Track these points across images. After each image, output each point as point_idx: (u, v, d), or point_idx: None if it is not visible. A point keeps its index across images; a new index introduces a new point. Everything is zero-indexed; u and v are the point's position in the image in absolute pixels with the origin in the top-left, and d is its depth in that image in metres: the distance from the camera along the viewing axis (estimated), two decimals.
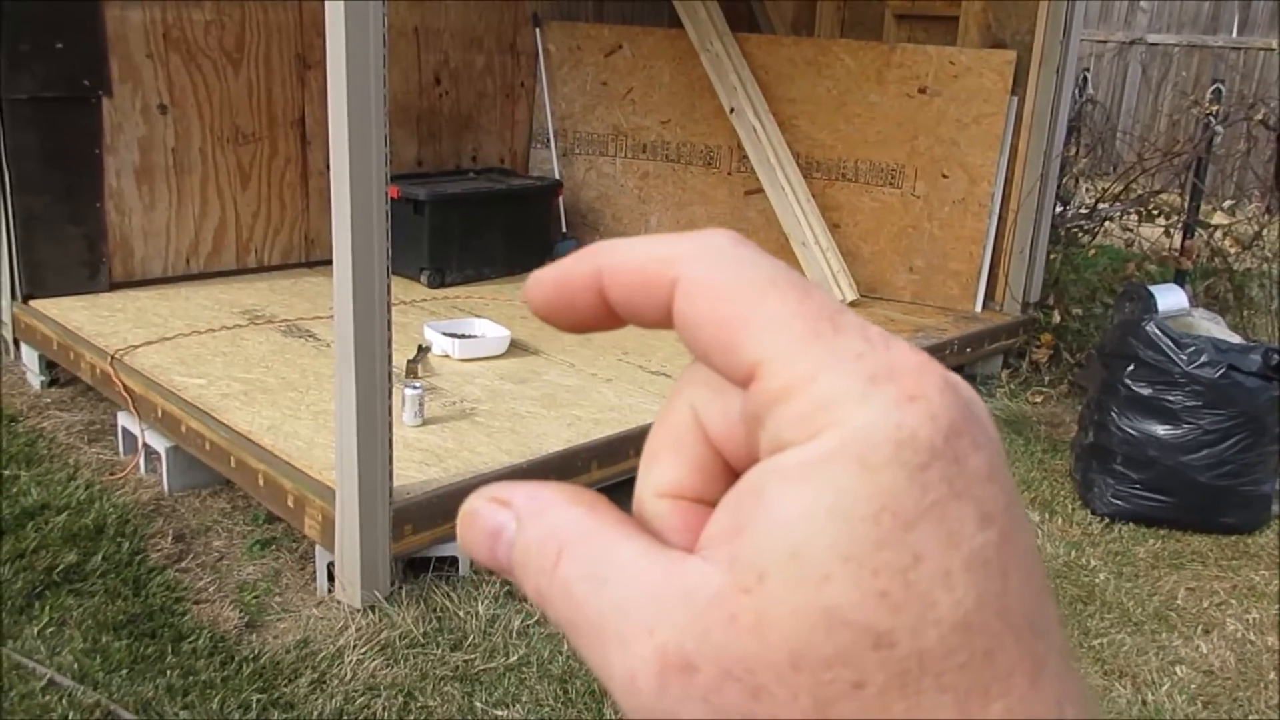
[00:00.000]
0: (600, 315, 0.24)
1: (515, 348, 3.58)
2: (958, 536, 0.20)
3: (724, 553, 0.21)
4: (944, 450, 0.20)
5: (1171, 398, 3.06)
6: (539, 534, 0.23)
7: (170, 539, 2.78)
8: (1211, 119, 4.78)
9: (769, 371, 0.21)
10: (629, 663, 0.21)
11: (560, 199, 4.94)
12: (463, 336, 3.55)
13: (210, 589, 2.59)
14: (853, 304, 4.34)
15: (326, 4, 2.23)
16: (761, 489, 0.21)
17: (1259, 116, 5.06)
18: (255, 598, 2.55)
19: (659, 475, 0.24)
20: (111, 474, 3.10)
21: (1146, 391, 3.11)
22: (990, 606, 0.20)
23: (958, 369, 4.49)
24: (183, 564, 2.69)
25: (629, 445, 2.95)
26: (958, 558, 0.20)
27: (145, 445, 3.09)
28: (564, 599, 0.22)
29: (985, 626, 0.20)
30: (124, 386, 3.15)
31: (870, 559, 0.20)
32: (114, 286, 3.91)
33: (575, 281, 0.24)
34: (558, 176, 4.99)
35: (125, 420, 3.18)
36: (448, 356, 3.46)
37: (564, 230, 4.99)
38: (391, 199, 2.39)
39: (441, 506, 2.55)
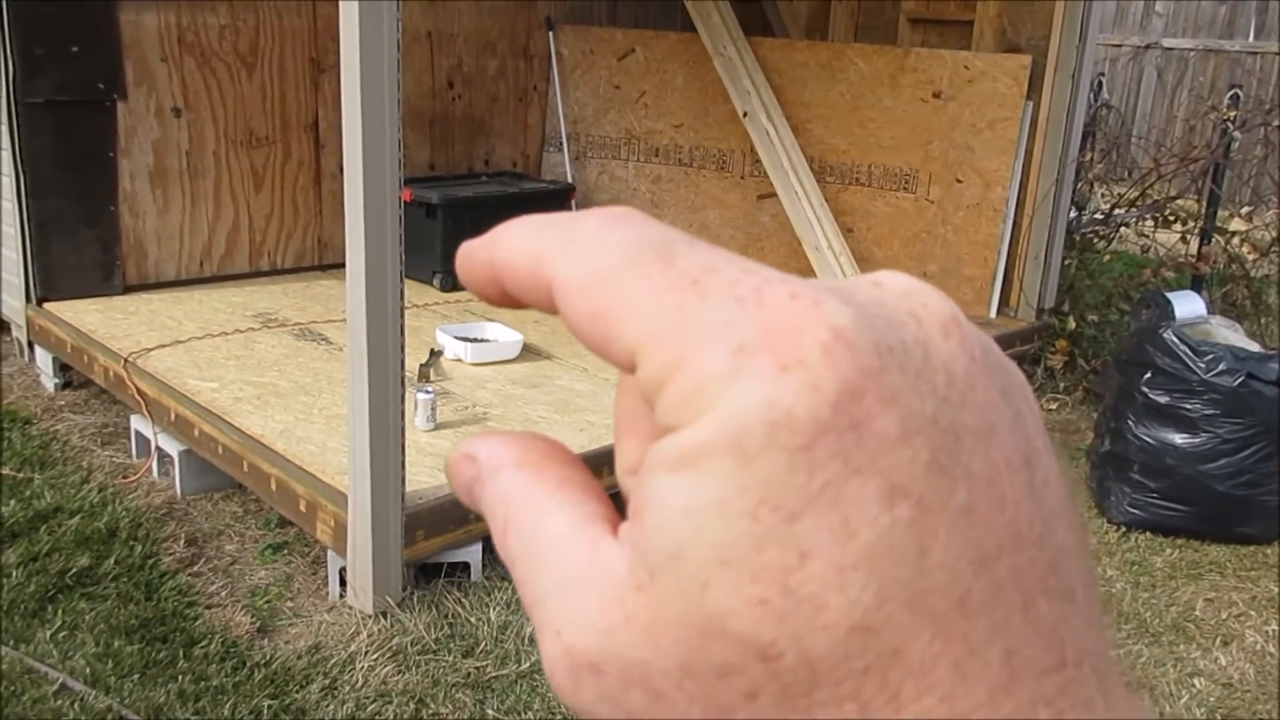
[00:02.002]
0: (514, 301, 0.23)
1: (528, 352, 3.57)
2: (855, 523, 0.18)
3: (629, 536, 0.20)
4: (833, 422, 0.18)
5: (1189, 406, 3.03)
6: (490, 500, 0.22)
7: (182, 543, 2.78)
8: (1229, 124, 4.75)
9: (642, 360, 0.19)
10: (548, 660, 0.20)
11: (573, 203, 4.93)
12: (475, 340, 3.55)
13: (222, 593, 2.58)
14: None
15: (341, 8, 2.23)
16: (651, 472, 0.19)
17: (1276, 122, 5.02)
18: (267, 602, 2.55)
19: (623, 453, 0.23)
20: (124, 477, 3.11)
21: (1164, 399, 3.08)
22: (897, 598, 0.18)
23: None
24: (195, 568, 2.69)
25: None
26: (854, 549, 0.18)
27: (158, 449, 3.10)
28: (513, 572, 0.22)
29: (890, 622, 0.18)
30: (137, 390, 3.15)
31: (749, 562, 0.18)
32: (128, 289, 3.92)
33: (480, 271, 0.23)
34: (570, 180, 4.99)
35: (138, 423, 3.19)
36: (460, 360, 3.45)
37: None
38: (404, 202, 2.38)
39: (454, 512, 2.54)
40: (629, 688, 0.19)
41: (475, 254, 0.23)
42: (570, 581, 0.20)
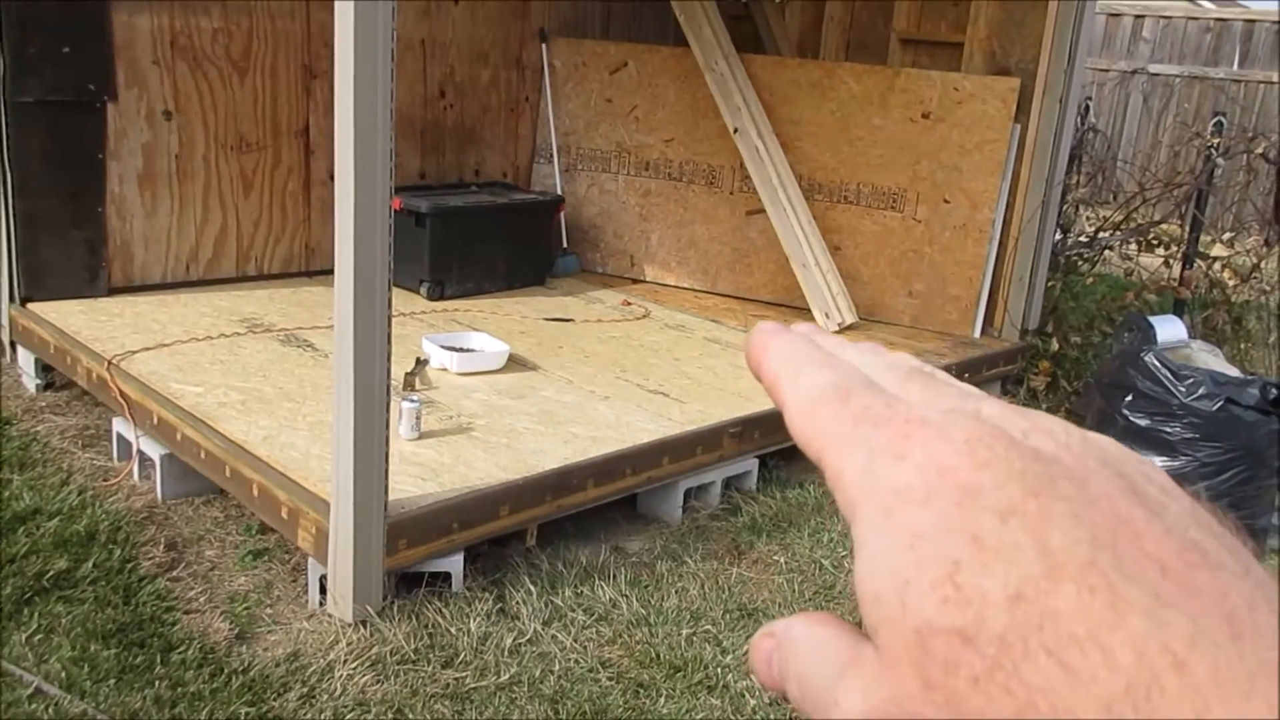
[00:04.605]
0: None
1: (513, 362, 3.57)
2: (981, 535, 0.24)
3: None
4: (939, 484, 0.25)
5: (1169, 429, 3.05)
6: (783, 651, 0.29)
7: (162, 547, 2.76)
8: (1213, 151, 4.80)
9: (823, 464, 0.29)
10: None
11: (562, 215, 4.94)
12: (461, 350, 3.55)
13: (201, 599, 2.57)
14: (850, 327, 4.34)
15: (337, 14, 2.23)
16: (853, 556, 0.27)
17: (1259, 149, 5.08)
18: (246, 609, 2.54)
19: None
20: (105, 480, 3.09)
21: (1144, 423, 3.10)
22: (1034, 573, 0.23)
23: None
24: (174, 573, 2.67)
25: (625, 464, 2.94)
26: (988, 549, 0.23)
27: (140, 452, 3.08)
28: (796, 692, 0.28)
29: (1037, 588, 0.23)
30: (120, 392, 3.13)
31: (922, 578, 0.24)
32: (113, 291, 3.90)
33: (752, 363, 0.31)
34: (560, 192, 5.00)
35: (120, 426, 3.17)
36: (446, 370, 3.45)
37: (565, 246, 4.99)
38: (393, 211, 2.38)
39: (436, 521, 2.54)
40: None
41: (753, 351, 0.31)
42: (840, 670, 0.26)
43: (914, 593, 0.23)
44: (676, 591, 2.74)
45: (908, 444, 0.25)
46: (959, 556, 0.23)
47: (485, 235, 4.45)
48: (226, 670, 2.29)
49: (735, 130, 4.54)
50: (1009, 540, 0.23)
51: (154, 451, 3.03)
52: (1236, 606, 0.22)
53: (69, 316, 3.62)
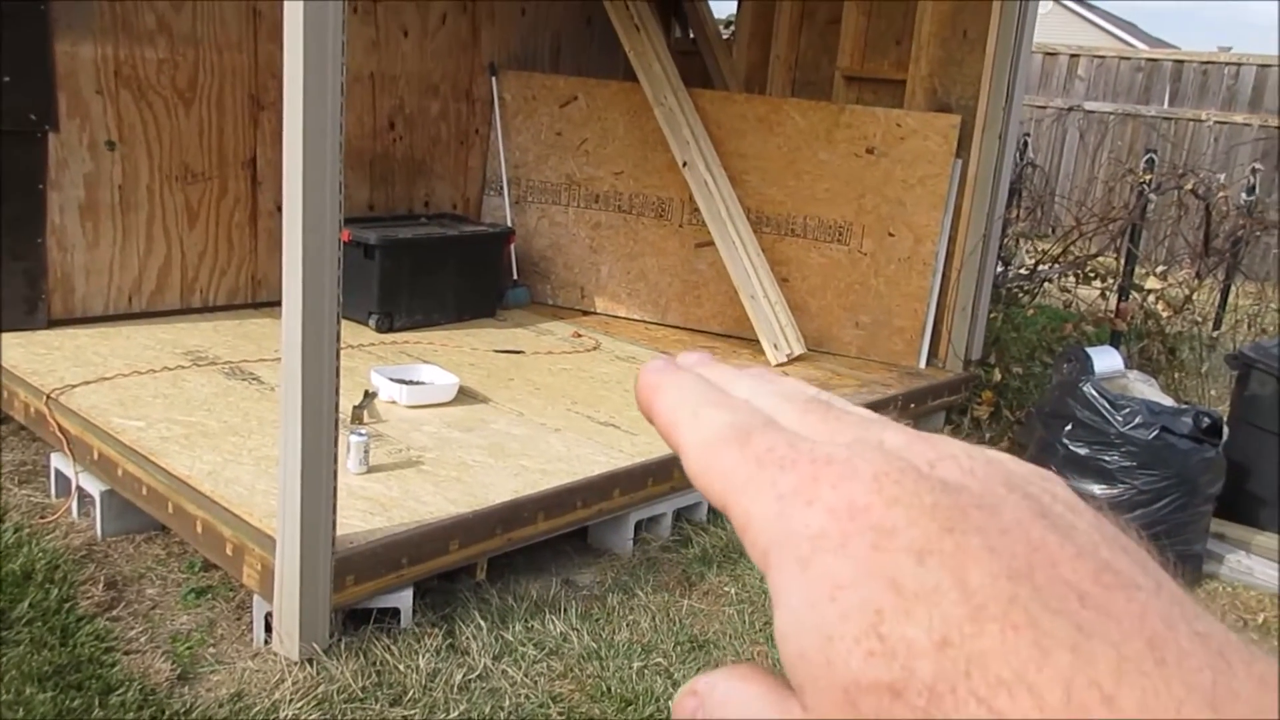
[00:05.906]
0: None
1: (463, 395, 3.56)
2: (900, 579, 0.23)
3: None
4: (853, 527, 0.24)
5: (1108, 458, 3.13)
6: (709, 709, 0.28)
7: (101, 586, 2.70)
8: (1145, 187, 4.96)
9: (728, 513, 0.27)
10: None
11: (512, 246, 4.95)
12: (410, 383, 3.53)
13: (142, 639, 2.51)
14: (800, 358, 4.39)
15: (286, 48, 2.23)
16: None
17: (1189, 186, 5.26)
18: (188, 648, 2.48)
19: None
20: (42, 517, 3.01)
21: (1084, 451, 3.18)
22: (956, 615, 0.22)
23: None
24: (114, 612, 2.61)
25: (576, 496, 2.94)
26: (908, 595, 0.23)
27: (79, 488, 3.01)
28: None
29: (962, 632, 0.22)
30: (59, 427, 3.07)
31: (845, 631, 0.23)
32: (53, 324, 3.82)
33: (642, 404, 0.30)
34: (510, 224, 5.01)
35: (59, 462, 3.10)
36: (395, 403, 3.42)
37: (515, 277, 5.00)
38: (342, 242, 2.38)
39: (385, 556, 2.51)
40: None
41: (644, 392, 0.30)
42: None
43: (839, 648, 0.22)
44: (628, 624, 2.73)
45: (816, 486, 0.24)
46: (881, 605, 0.22)
47: (435, 267, 4.44)
48: (168, 712, 2.23)
49: (684, 164, 4.59)
50: (929, 583, 0.22)
51: (93, 488, 2.96)
52: (1156, 628, 0.22)
53: (6, 349, 3.53)
